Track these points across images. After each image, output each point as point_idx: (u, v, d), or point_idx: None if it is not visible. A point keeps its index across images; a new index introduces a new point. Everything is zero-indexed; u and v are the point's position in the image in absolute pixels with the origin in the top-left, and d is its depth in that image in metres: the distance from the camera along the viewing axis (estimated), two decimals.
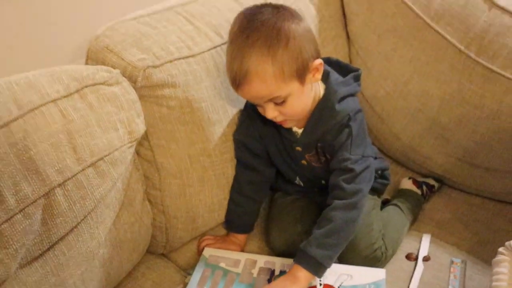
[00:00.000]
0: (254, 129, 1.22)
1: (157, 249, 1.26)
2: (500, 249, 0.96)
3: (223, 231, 1.31)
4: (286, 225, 1.25)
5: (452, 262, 1.21)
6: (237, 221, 1.27)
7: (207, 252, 1.22)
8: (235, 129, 1.24)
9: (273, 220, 1.28)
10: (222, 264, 1.19)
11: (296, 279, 1.07)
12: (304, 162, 1.21)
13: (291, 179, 1.29)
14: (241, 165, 1.26)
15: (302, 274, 1.07)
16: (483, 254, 1.23)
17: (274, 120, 1.12)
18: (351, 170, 1.10)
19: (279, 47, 1.02)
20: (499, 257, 0.95)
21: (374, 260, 1.17)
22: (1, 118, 0.89)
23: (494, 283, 0.91)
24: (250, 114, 1.21)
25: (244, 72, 1.03)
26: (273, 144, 1.23)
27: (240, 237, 1.27)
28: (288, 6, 1.13)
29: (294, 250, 1.14)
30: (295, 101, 1.08)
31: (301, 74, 1.06)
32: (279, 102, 1.07)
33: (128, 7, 1.28)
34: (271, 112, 1.09)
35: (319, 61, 1.09)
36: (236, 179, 1.26)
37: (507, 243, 0.96)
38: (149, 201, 1.19)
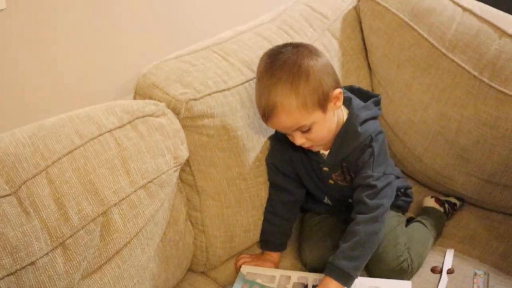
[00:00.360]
0: (284, 153, 1.33)
1: (198, 268, 1.36)
2: None
3: (258, 250, 1.41)
4: (317, 242, 1.34)
5: (475, 274, 1.28)
6: (271, 240, 1.37)
7: (245, 269, 1.32)
8: (267, 154, 1.36)
9: (304, 238, 1.38)
10: (259, 280, 1.28)
11: None
12: (331, 181, 1.31)
13: (320, 199, 1.39)
14: (274, 187, 1.36)
15: (333, 285, 1.16)
16: (505, 266, 1.30)
17: (303, 146, 1.23)
18: (373, 186, 1.20)
19: (301, 82, 1.15)
20: None
21: (401, 272, 1.25)
22: (66, 147, 1.02)
23: None
24: (280, 140, 1.32)
25: (272, 106, 1.16)
26: (302, 166, 1.33)
27: (275, 255, 1.37)
28: (307, 44, 1.27)
29: (325, 265, 1.23)
30: (320, 128, 1.20)
31: (322, 104, 1.18)
32: (305, 130, 1.19)
33: (165, 48, 1.42)
34: (299, 139, 1.21)
35: (338, 90, 1.21)
36: (269, 200, 1.37)
37: None
38: (191, 222, 1.30)
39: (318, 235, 1.36)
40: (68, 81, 1.34)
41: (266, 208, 1.37)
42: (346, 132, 1.25)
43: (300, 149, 1.28)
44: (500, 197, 1.43)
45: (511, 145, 1.35)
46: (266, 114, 1.18)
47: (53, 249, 0.96)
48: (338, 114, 1.25)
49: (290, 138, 1.24)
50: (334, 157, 1.27)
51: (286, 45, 1.23)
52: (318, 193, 1.37)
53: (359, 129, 1.24)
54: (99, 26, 1.35)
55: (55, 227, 0.97)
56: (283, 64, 1.17)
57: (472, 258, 1.33)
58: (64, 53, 1.31)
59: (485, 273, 1.28)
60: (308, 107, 1.16)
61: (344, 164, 1.27)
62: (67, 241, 0.98)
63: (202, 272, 1.38)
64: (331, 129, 1.24)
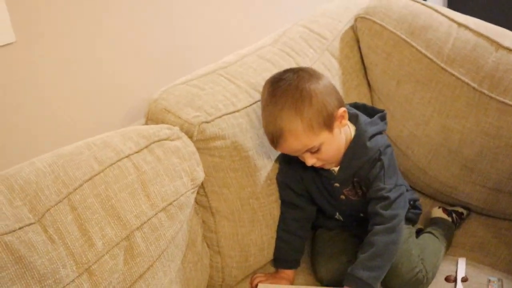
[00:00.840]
0: (295, 171, 1.35)
1: None
2: None
3: (272, 269, 1.42)
4: (331, 257, 1.36)
5: (489, 280, 1.31)
6: (285, 258, 1.39)
7: (262, 287, 1.33)
8: (277, 173, 1.38)
9: (318, 254, 1.40)
10: None
11: None
12: (342, 197, 1.34)
13: (331, 215, 1.41)
14: (285, 204, 1.38)
15: None
16: None
17: (314, 165, 1.26)
18: (387, 198, 1.23)
19: (305, 106, 1.19)
20: None
21: (416, 283, 1.27)
22: (86, 174, 1.04)
23: None
24: (290, 158, 1.34)
25: (279, 132, 1.19)
26: (313, 184, 1.36)
27: (289, 273, 1.38)
28: (307, 67, 1.31)
29: (341, 279, 1.26)
30: (329, 147, 1.23)
31: (328, 124, 1.21)
32: (315, 151, 1.22)
33: (164, 74, 1.45)
34: (310, 160, 1.24)
35: (342, 109, 1.24)
36: (282, 218, 1.38)
37: None
38: (206, 243, 1.31)
39: (332, 250, 1.37)
40: (72, 113, 1.35)
41: (279, 226, 1.38)
42: (355, 147, 1.28)
43: (310, 167, 1.30)
44: (506, 205, 1.46)
45: None
46: (275, 140, 1.22)
47: (79, 275, 0.97)
48: (345, 131, 1.28)
49: (301, 159, 1.27)
50: (345, 173, 1.29)
51: (286, 71, 1.27)
52: (329, 209, 1.39)
53: (368, 144, 1.27)
54: (99, 57, 1.37)
55: (80, 253, 0.98)
56: (285, 90, 1.20)
57: (484, 266, 1.36)
58: (64, 87, 1.32)
59: (498, 280, 1.31)
60: (315, 129, 1.19)
61: (355, 179, 1.30)
62: (92, 266, 0.99)
63: None
64: (340, 147, 1.27)
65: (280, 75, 1.25)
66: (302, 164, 1.30)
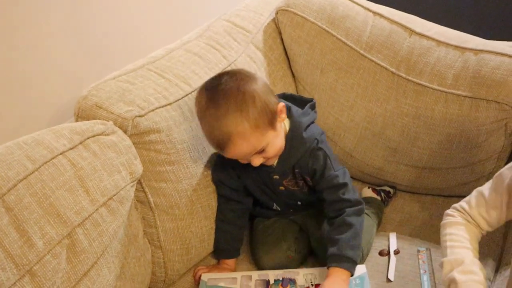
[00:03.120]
0: (231, 168, 1.35)
1: (157, 285, 1.35)
2: (448, 211, 1.15)
3: (213, 261, 1.43)
4: (271, 246, 1.39)
5: (418, 251, 1.39)
6: (225, 248, 1.40)
7: (205, 276, 1.33)
8: (212, 170, 1.38)
9: (258, 242, 1.42)
10: (222, 284, 1.30)
11: (343, 281, 1.22)
12: (281, 188, 1.36)
13: (269, 206, 1.44)
14: (222, 198, 1.40)
15: (343, 275, 1.22)
16: None
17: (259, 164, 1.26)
18: (344, 184, 1.29)
19: (249, 107, 1.17)
20: (448, 219, 1.13)
21: None
22: (19, 173, 1.00)
23: (448, 243, 1.09)
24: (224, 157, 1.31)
25: (227, 136, 1.17)
26: (250, 179, 1.37)
27: (230, 262, 1.40)
28: (239, 69, 1.31)
29: (282, 266, 1.31)
30: (274, 145, 1.24)
31: (272, 122, 1.23)
32: (262, 151, 1.23)
33: (88, 72, 1.42)
34: (257, 161, 1.24)
35: (281, 104, 1.26)
36: (219, 209, 1.40)
37: (453, 205, 1.14)
38: (147, 239, 1.30)
39: (272, 238, 1.40)
40: None
41: (217, 217, 1.40)
42: (293, 139, 1.30)
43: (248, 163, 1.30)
44: (428, 181, 1.56)
45: (432, 131, 1.48)
46: (222, 145, 1.19)
47: (20, 278, 0.94)
48: (282, 125, 1.30)
49: (243, 161, 1.26)
50: (284, 165, 1.31)
51: (221, 76, 1.25)
52: (267, 201, 1.42)
53: (304, 134, 1.30)
54: (22, 52, 1.32)
55: (19, 255, 0.94)
56: (226, 93, 1.18)
57: (413, 238, 1.44)
58: None
59: (427, 249, 1.40)
60: (262, 128, 1.20)
61: (296, 170, 1.32)
62: (34, 267, 0.95)
63: None
64: (282, 141, 1.28)
65: (216, 80, 1.23)
66: (238, 162, 1.29)
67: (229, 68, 1.48)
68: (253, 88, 1.20)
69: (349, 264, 1.23)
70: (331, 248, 1.24)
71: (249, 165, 1.30)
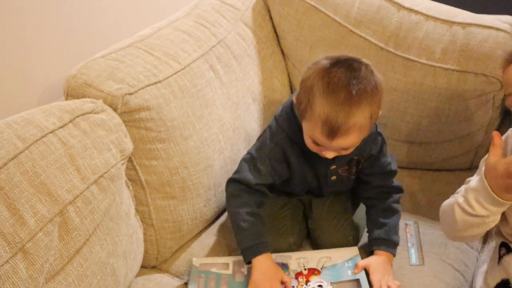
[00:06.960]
0: (286, 163, 1.29)
1: (149, 263, 1.36)
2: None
3: (207, 239, 1.44)
4: (280, 236, 1.34)
5: (406, 224, 1.42)
6: (266, 241, 1.25)
7: (196, 262, 1.32)
8: (260, 159, 1.29)
9: (272, 229, 1.34)
10: (214, 269, 1.30)
11: (389, 263, 1.27)
12: (334, 177, 1.33)
13: (298, 194, 1.41)
14: (250, 188, 1.28)
15: (391, 258, 1.28)
16: (430, 214, 1.45)
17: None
18: (395, 172, 1.34)
19: (375, 102, 1.13)
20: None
21: (348, 245, 1.34)
22: (9, 152, 1.00)
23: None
24: (284, 150, 1.27)
25: (350, 125, 1.09)
26: (301, 171, 1.30)
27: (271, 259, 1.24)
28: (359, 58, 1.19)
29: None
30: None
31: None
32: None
33: (75, 51, 1.41)
34: (332, 155, 1.18)
35: None
36: (245, 204, 1.27)
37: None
38: (139, 217, 1.30)
39: (280, 224, 1.36)
40: None
41: (244, 212, 1.25)
42: None
43: (303, 154, 1.26)
44: (417, 155, 1.58)
45: (420, 105, 1.50)
46: (339, 131, 1.10)
47: (13, 256, 0.94)
48: None
49: (315, 150, 1.19)
50: (349, 154, 1.23)
51: (354, 60, 1.16)
52: (300, 190, 1.38)
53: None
54: (10, 31, 1.31)
55: (11, 233, 0.95)
56: (366, 83, 1.11)
57: (402, 212, 1.45)
58: None
59: (414, 222, 1.42)
60: (372, 124, 1.18)
61: (355, 157, 1.29)
62: (26, 245, 0.96)
63: (153, 267, 1.39)
64: None
65: (352, 62, 1.14)
66: (297, 154, 1.26)
67: (218, 46, 1.48)
68: (381, 81, 1.17)
69: (395, 249, 1.29)
70: (377, 231, 1.29)
71: (304, 159, 1.27)
